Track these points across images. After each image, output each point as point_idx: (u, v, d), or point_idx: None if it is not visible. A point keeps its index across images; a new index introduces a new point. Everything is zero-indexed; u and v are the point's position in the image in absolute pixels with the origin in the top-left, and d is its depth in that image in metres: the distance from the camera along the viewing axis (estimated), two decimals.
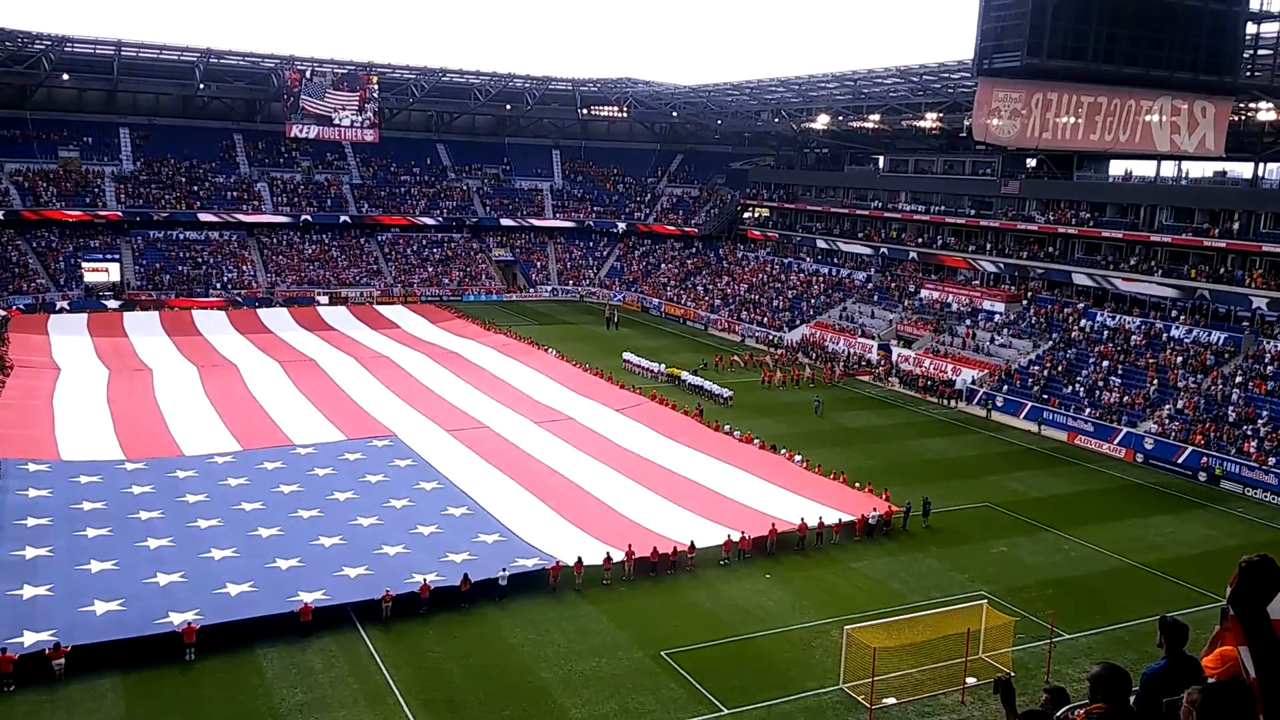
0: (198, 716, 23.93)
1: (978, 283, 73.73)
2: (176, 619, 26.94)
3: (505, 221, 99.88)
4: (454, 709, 24.66)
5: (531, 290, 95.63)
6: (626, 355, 66.09)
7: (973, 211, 75.95)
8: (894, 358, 66.99)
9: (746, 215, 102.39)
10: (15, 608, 27.40)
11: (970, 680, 26.22)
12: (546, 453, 44.59)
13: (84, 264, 79.92)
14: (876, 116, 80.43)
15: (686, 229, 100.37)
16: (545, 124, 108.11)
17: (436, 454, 43.72)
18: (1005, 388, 58.78)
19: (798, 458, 44.41)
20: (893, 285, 78.27)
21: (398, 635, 28.27)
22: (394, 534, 34.30)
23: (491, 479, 40.78)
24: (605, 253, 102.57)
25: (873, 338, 70.36)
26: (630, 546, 33.10)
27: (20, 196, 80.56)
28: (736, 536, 34.73)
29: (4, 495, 35.94)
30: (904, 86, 73.61)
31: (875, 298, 77.75)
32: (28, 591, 28.48)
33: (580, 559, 32.16)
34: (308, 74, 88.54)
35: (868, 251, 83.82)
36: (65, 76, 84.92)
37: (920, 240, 79.82)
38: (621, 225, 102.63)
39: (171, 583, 29.59)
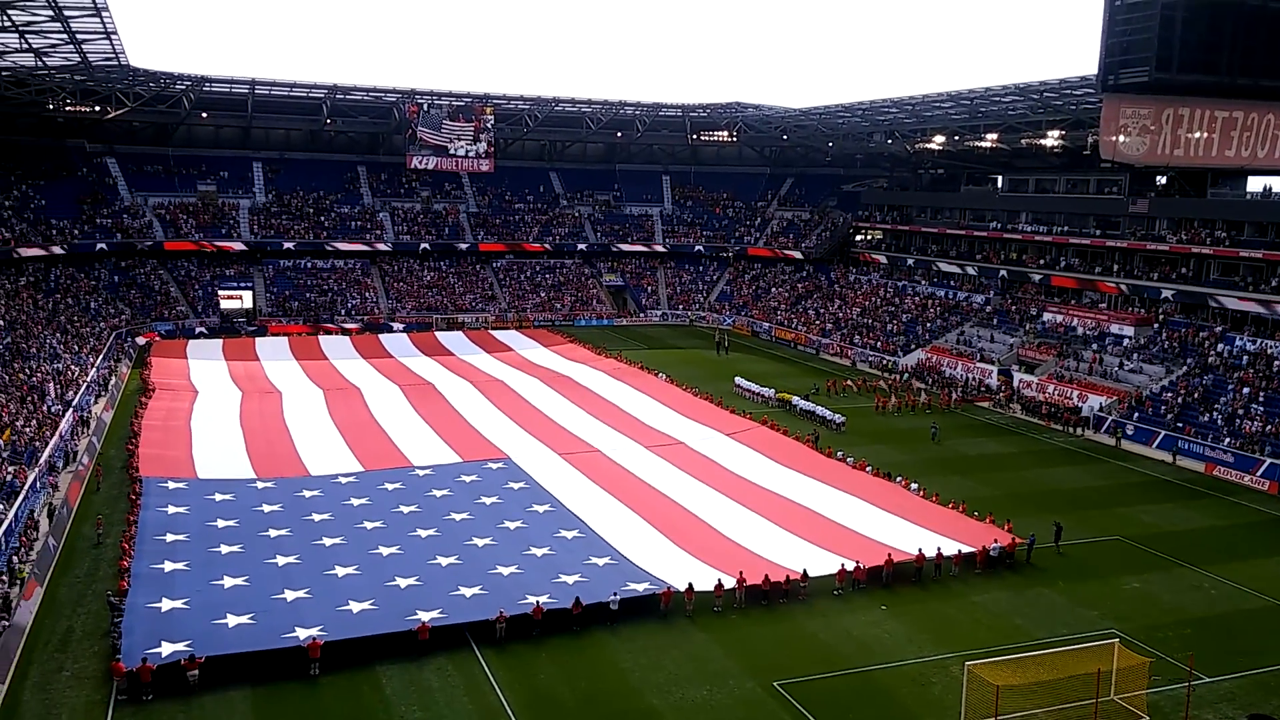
0: None
1: (1104, 305, 70.83)
2: (302, 634, 27.89)
3: (616, 247, 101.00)
4: None
5: (642, 315, 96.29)
6: (737, 380, 65.78)
7: (1098, 232, 73.11)
8: (1015, 383, 64.83)
9: (859, 238, 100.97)
10: (154, 620, 28.81)
11: None
12: (657, 477, 44.65)
13: (220, 292, 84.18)
14: (994, 135, 78.42)
15: (797, 252, 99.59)
16: (655, 150, 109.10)
17: (549, 477, 44.26)
18: (1136, 415, 56.16)
19: (914, 486, 43.31)
20: (1013, 308, 75.89)
21: (511, 656, 28.61)
22: (508, 555, 34.82)
23: (602, 502, 41.04)
24: (715, 277, 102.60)
25: (992, 362, 68.28)
26: (741, 573, 32.78)
27: (162, 228, 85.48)
28: (851, 566, 34.03)
29: (145, 512, 37.94)
30: (1023, 104, 71.62)
31: (995, 321, 75.48)
32: (165, 604, 29.92)
33: (691, 585, 32.00)
34: (425, 107, 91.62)
35: (986, 274, 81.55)
36: (204, 115, 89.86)
37: (1042, 262, 77.23)
38: (731, 249, 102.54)
39: (298, 599, 30.68)
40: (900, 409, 61.25)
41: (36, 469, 40.33)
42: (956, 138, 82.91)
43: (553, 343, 79.65)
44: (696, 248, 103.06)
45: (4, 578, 30.93)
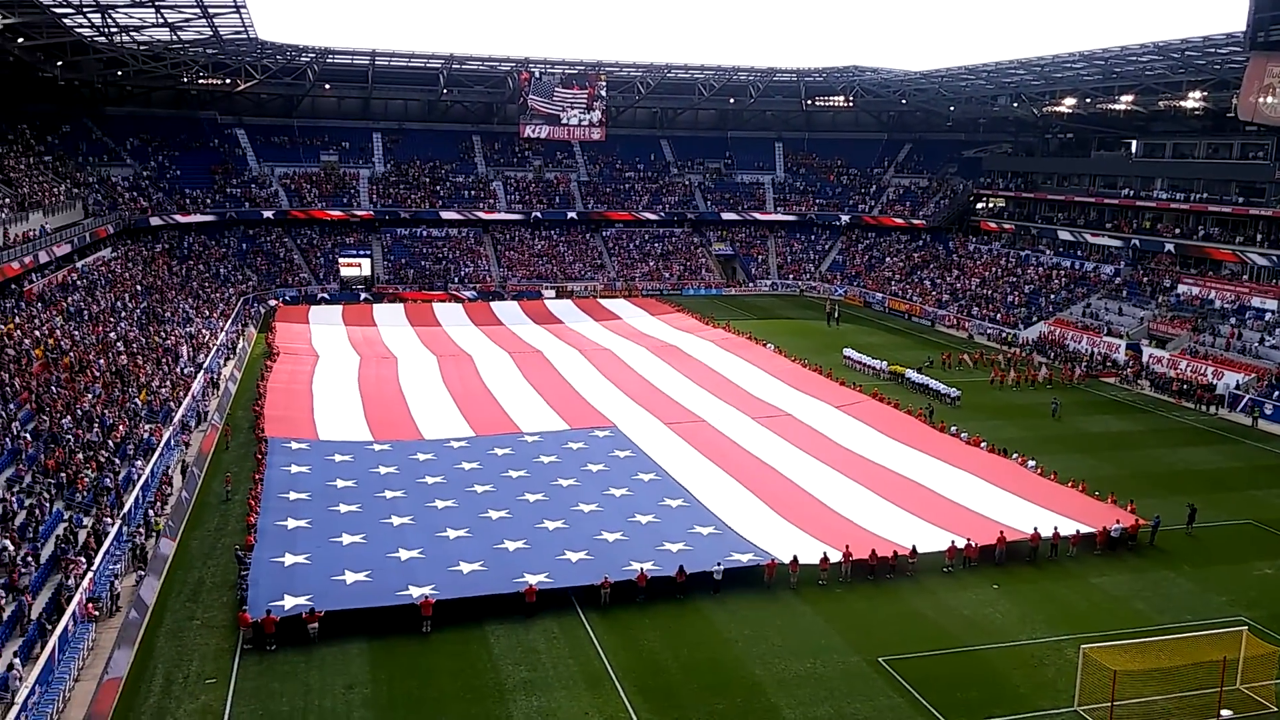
0: (432, 685, 25.46)
1: (1246, 277, 66.82)
2: (415, 592, 28.78)
3: (726, 215, 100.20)
4: (668, 698, 24.96)
5: (751, 284, 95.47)
6: (847, 351, 64.64)
7: (1241, 199, 68.86)
8: (1145, 358, 61.86)
9: (980, 206, 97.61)
10: (278, 574, 30.16)
11: (1226, 713, 23.83)
12: (763, 448, 44.33)
13: (340, 259, 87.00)
14: (1129, 97, 74.43)
15: (914, 221, 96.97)
16: (768, 116, 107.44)
17: (654, 446, 44.43)
18: (1276, 394, 52.96)
19: (1031, 463, 41.87)
20: (1145, 280, 72.31)
21: (615, 621, 28.93)
22: (613, 521, 35.16)
23: (708, 472, 41.00)
24: (827, 246, 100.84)
25: (1120, 336, 65.27)
26: (848, 547, 32.33)
27: (287, 197, 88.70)
28: (962, 543, 33.19)
29: (270, 470, 39.67)
30: (1162, 63, 67.67)
31: (1124, 293, 72.09)
32: (288, 559, 31.28)
33: (796, 557, 31.73)
34: (538, 74, 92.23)
35: (1116, 243, 77.85)
36: (327, 86, 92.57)
37: (1178, 231, 73.25)
38: (845, 218, 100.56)
39: (412, 558, 31.66)
40: (1019, 384, 59.21)
41: (171, 428, 42.58)
42: (1088, 100, 79.01)
43: (661, 312, 79.72)
44: (809, 216, 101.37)
45: (141, 530, 32.83)
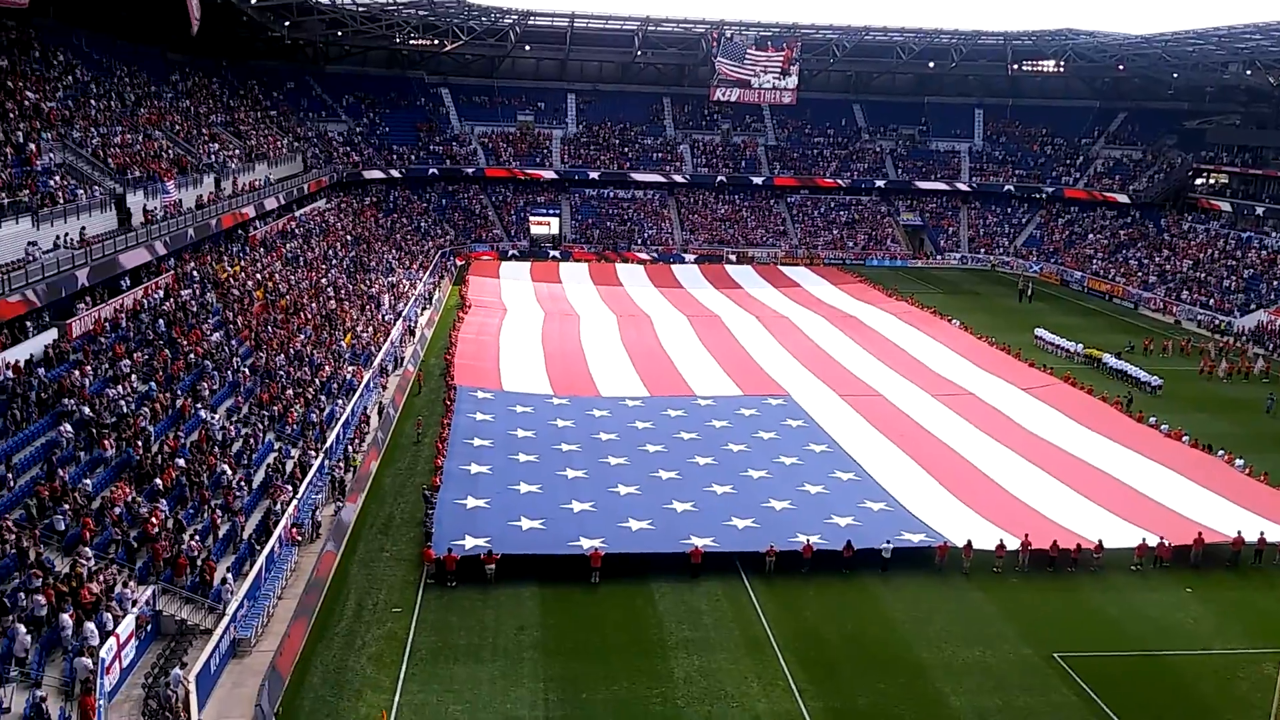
0: (598, 632, 26.43)
1: None
2: (586, 544, 29.81)
3: (917, 184, 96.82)
4: (828, 671, 24.93)
5: (938, 257, 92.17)
6: (1039, 331, 61.59)
7: None
8: None
9: (1199, 181, 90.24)
10: (460, 515, 31.87)
11: None
12: (942, 427, 43.05)
13: (531, 217, 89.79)
14: None
15: (1122, 196, 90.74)
16: (969, 81, 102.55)
17: (827, 417, 43.95)
18: None
19: (1239, 462, 38.84)
20: None
21: (779, 590, 29.04)
22: (782, 490, 35.13)
23: (881, 448, 40.25)
24: (1024, 220, 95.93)
25: None
26: (1027, 536, 31.11)
27: (485, 156, 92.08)
28: (1154, 541, 31.33)
29: (457, 417, 41.78)
30: None
31: None
32: (470, 502, 32.99)
33: (970, 542, 30.80)
34: (729, 35, 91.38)
35: None
36: (527, 48, 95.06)
37: None
38: (1046, 190, 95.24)
39: (584, 511, 32.75)
40: (1231, 375, 54.86)
41: (370, 370, 45.46)
42: None
43: (842, 281, 78.26)
44: (1006, 188, 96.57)
45: (340, 464, 35.37)
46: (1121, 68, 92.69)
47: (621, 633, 26.45)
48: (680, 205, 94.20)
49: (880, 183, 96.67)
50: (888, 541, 30.59)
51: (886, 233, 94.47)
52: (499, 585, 28.47)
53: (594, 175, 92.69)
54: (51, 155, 38.91)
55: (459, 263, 79.96)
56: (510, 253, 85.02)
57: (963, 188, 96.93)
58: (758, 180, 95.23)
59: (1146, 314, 72.86)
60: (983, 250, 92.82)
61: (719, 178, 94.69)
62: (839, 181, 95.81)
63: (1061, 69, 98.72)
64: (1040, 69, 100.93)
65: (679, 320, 63.00)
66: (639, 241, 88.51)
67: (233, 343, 40.78)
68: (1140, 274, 78.95)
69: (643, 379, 49.59)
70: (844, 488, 35.79)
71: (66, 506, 25.15)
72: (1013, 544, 30.88)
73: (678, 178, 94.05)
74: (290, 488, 31.38)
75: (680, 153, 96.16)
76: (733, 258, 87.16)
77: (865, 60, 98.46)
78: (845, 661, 25.44)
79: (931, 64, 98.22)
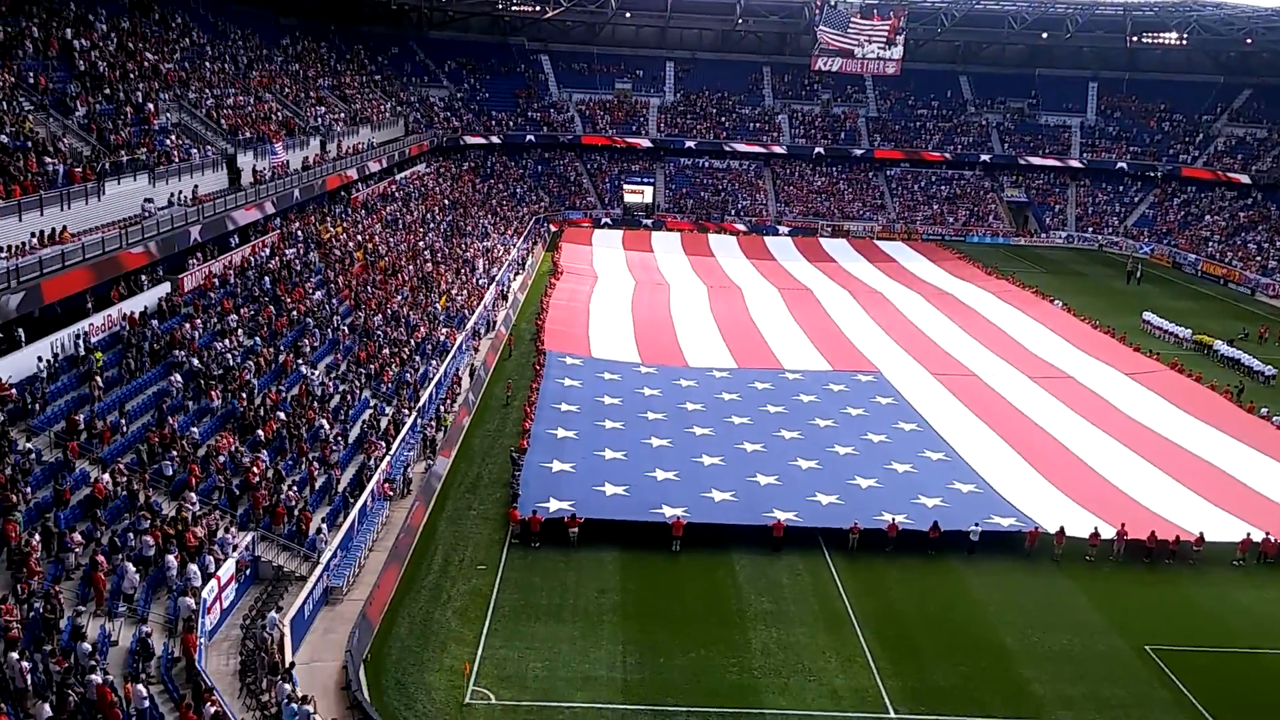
0: (677, 600, 26.65)
1: None
2: (668, 512, 29.98)
3: (1024, 160, 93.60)
4: (909, 651, 24.68)
5: (1043, 235, 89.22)
6: (1146, 315, 59.23)
7: None
8: None
9: None
10: (546, 478, 32.38)
11: None
12: (1038, 410, 41.87)
13: (625, 185, 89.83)
14: None
15: (1244, 176, 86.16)
16: (1084, 53, 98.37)
17: (918, 395, 43.18)
18: None
19: None
20: None
21: (862, 567, 28.79)
22: (868, 467, 34.71)
23: (973, 429, 39.38)
24: (1136, 198, 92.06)
25: None
26: (1124, 525, 30.16)
27: (581, 123, 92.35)
28: (1259, 536, 30.07)
29: (546, 382, 42.34)
30: None
31: None
32: (556, 466, 33.48)
33: (1063, 528, 29.99)
34: (832, 2, 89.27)
35: None
36: (627, 15, 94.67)
37: None
38: (1161, 169, 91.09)
39: (667, 479, 32.92)
40: None
41: (464, 333, 46.33)
42: None
43: (940, 258, 76.44)
44: (1119, 165, 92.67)
45: (432, 423, 36.22)
46: (1249, 41, 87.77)
47: (700, 601, 26.60)
48: (776, 176, 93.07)
49: (985, 157, 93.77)
50: (976, 524, 30.00)
51: (989, 209, 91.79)
52: (581, 548, 28.87)
53: (690, 144, 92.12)
54: (168, 115, 40.46)
55: (553, 229, 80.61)
56: (603, 220, 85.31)
57: (1073, 164, 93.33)
58: (857, 152, 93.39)
59: (1264, 300, 69.37)
60: (1091, 229, 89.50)
61: (817, 149, 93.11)
62: (945, 154, 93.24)
63: (1184, 42, 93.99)
64: (1161, 41, 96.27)
65: (770, 293, 62.47)
66: (733, 212, 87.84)
67: (333, 301, 41.98)
68: (1259, 258, 75.12)
69: (731, 350, 49.42)
70: (933, 468, 35.17)
71: (174, 453, 26.37)
72: (1108, 532, 30.00)
73: (775, 148, 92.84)
74: (384, 444, 32.29)
75: (778, 123, 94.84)
76: (827, 231, 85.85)
77: (974, 30, 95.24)
78: (926, 642, 25.14)
79: (1044, 35, 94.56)
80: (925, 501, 31.86)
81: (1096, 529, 30.06)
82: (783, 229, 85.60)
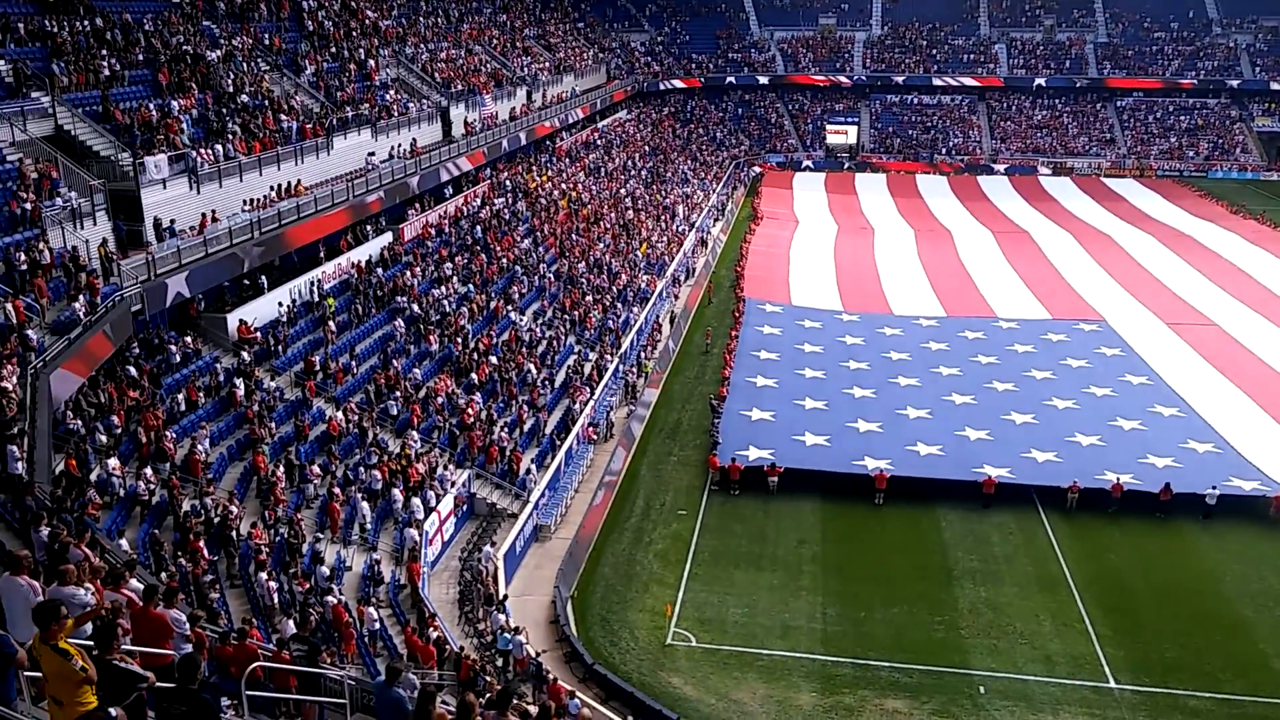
0: (878, 553, 26.14)
1: None
2: (870, 464, 29.33)
3: (1279, 84, 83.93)
4: (1132, 620, 23.21)
5: None
6: None
7: None
8: None
9: None
10: (745, 426, 32.36)
11: None
12: None
13: (828, 126, 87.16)
14: None
15: None
16: None
17: (1149, 346, 40.08)
18: None
19: None
20: None
21: (1080, 528, 27.24)
22: (1090, 423, 32.63)
23: (1212, 383, 36.24)
24: None
25: None
26: None
27: (783, 62, 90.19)
28: None
29: (745, 329, 42.15)
30: None
31: None
32: (755, 414, 33.38)
33: None
34: None
35: None
36: None
37: None
38: None
39: (870, 431, 32.16)
40: None
41: (664, 280, 46.69)
42: None
43: (1178, 196, 70.09)
44: None
45: (633, 369, 36.85)
46: None
47: (903, 556, 25.97)
48: (991, 111, 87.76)
49: (1233, 83, 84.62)
50: (1213, 487, 27.68)
51: (1236, 141, 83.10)
52: (780, 497, 28.76)
53: (898, 80, 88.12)
54: (388, 71, 42.53)
55: (754, 173, 79.57)
56: (804, 164, 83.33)
57: None
58: (1083, 82, 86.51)
59: None
60: None
61: (1038, 80, 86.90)
62: (1188, 81, 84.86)
63: None
64: None
65: (983, 236, 59.35)
66: (943, 151, 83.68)
67: (539, 249, 43.23)
68: None
69: (939, 298, 47.44)
70: (1164, 424, 32.66)
71: (398, 394, 28.10)
72: None
73: (991, 81, 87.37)
74: (588, 389, 33.17)
75: (995, 53, 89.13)
76: (1048, 169, 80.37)
77: None
78: (1152, 611, 23.55)
79: None
80: (1155, 461, 29.67)
81: None
82: (998, 167, 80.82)
